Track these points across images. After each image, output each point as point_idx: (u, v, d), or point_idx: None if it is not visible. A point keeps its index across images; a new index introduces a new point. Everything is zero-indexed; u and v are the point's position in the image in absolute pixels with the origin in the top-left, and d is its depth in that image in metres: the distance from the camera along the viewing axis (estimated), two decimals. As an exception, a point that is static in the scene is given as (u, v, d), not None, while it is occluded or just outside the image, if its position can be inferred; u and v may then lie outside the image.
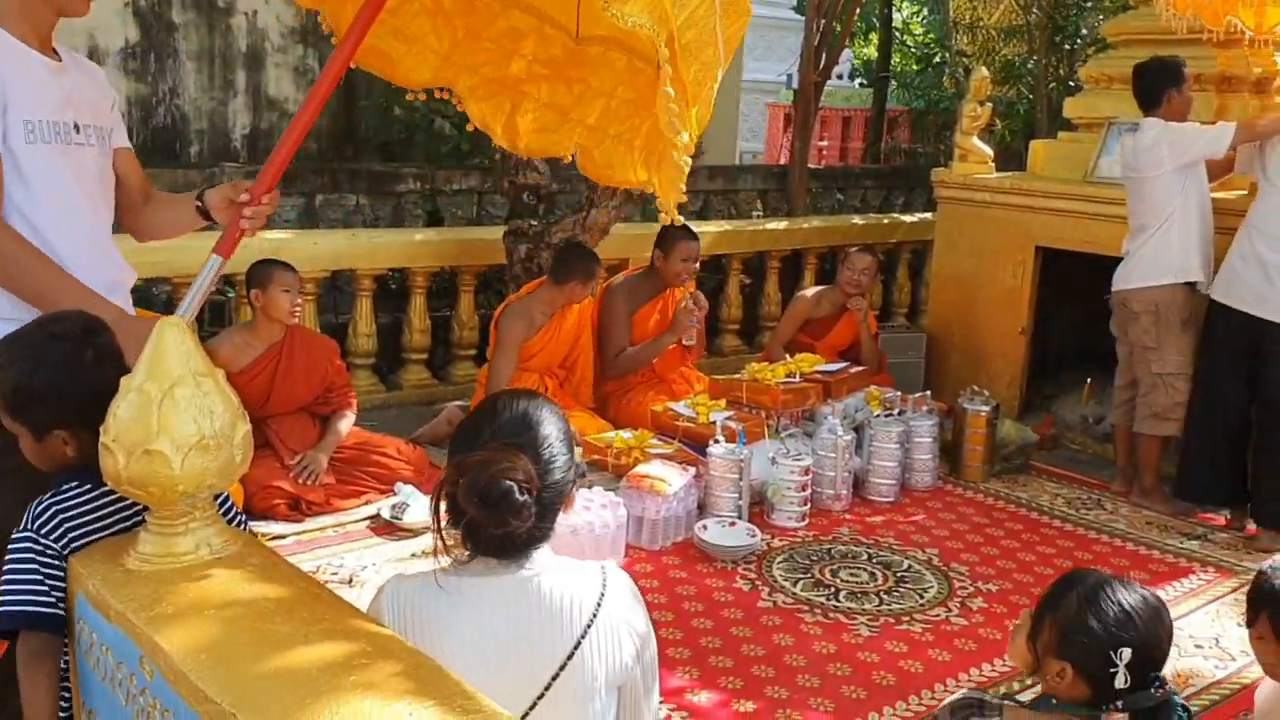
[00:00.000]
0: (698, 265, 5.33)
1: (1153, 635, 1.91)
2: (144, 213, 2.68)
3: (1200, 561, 4.24)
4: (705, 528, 4.14)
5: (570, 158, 2.76)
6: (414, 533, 4.11)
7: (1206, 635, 3.64)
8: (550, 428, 1.72)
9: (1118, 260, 4.81)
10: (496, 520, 1.61)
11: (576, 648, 1.64)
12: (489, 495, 1.60)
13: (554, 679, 1.63)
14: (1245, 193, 4.77)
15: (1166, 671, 3.28)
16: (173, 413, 1.59)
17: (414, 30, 2.69)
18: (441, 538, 1.69)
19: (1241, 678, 3.35)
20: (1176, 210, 4.56)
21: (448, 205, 6.94)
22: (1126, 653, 1.85)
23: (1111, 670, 1.85)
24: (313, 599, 1.60)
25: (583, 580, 1.70)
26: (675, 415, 4.89)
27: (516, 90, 2.78)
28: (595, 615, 1.66)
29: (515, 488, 1.60)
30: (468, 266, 5.83)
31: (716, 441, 4.35)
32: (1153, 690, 1.88)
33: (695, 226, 5.74)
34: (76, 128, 2.42)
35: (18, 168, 2.31)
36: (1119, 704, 1.88)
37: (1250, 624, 2.39)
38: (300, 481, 4.23)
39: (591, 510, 3.90)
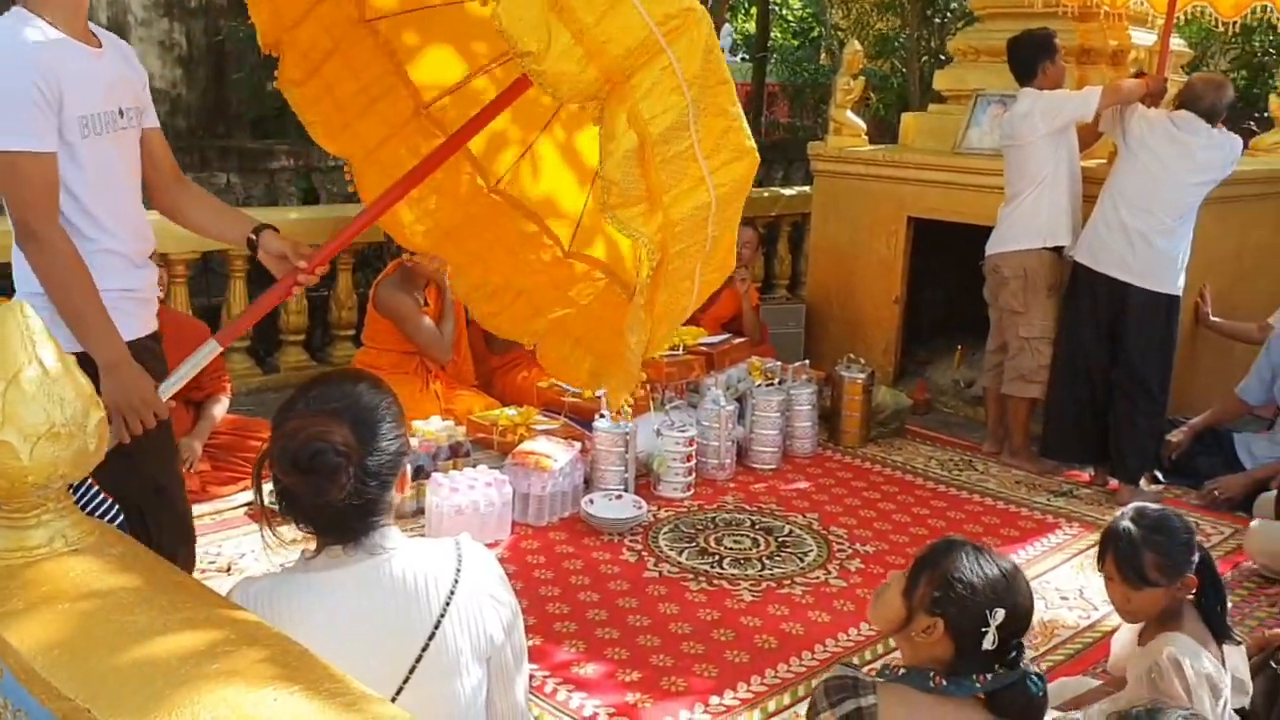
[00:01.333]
0: None
1: (1023, 603, 1.97)
2: (179, 197, 2.70)
3: (1066, 517, 4.43)
4: (592, 502, 4.16)
5: (530, 346, 2.83)
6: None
7: (1071, 588, 3.81)
8: (373, 398, 1.68)
9: (987, 229, 4.97)
10: (312, 487, 1.58)
11: (437, 626, 1.62)
12: (300, 458, 1.58)
13: (418, 660, 1.61)
14: (1105, 161, 4.96)
15: (1035, 623, 3.46)
16: (19, 401, 1.52)
17: (424, 202, 2.80)
18: (265, 512, 1.68)
19: (1103, 626, 3.52)
20: (1048, 177, 4.72)
21: (323, 182, 6.79)
22: (1000, 613, 1.90)
23: (983, 630, 1.90)
24: (175, 588, 1.56)
25: (437, 558, 1.69)
26: (561, 391, 4.89)
27: (500, 276, 2.82)
28: (453, 591, 1.65)
29: (330, 450, 1.57)
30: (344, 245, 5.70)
31: (602, 416, 4.36)
32: (1015, 658, 1.93)
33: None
34: (120, 113, 2.43)
35: (76, 160, 2.33)
36: (986, 677, 1.92)
37: (1099, 565, 2.52)
38: (174, 469, 4.11)
39: (477, 489, 3.89)
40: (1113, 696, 2.52)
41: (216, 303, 5.54)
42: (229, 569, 3.65)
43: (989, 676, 1.91)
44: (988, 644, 1.90)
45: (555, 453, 4.21)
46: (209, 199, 2.82)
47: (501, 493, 3.97)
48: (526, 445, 4.29)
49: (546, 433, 4.51)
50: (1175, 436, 4.88)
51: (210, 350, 2.42)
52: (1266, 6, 5.19)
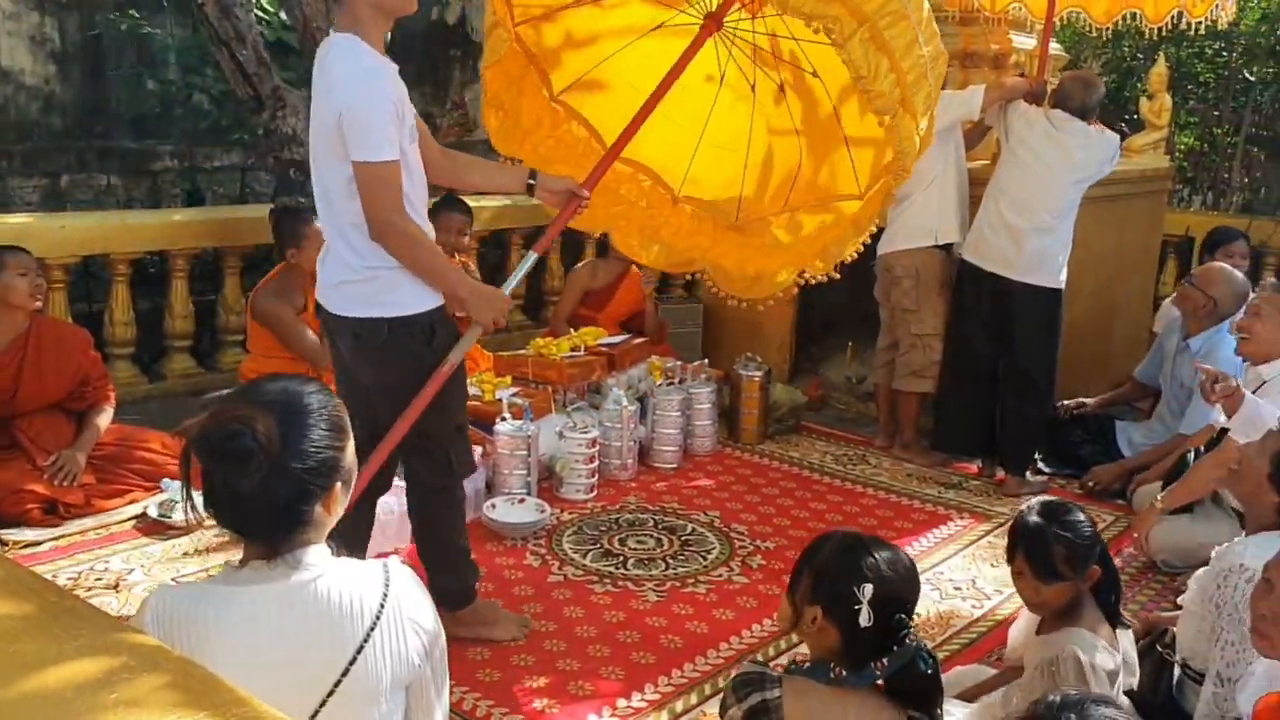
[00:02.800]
0: (467, 238, 5.22)
1: (895, 579, 2.01)
2: (454, 167, 3.25)
3: (956, 509, 4.56)
4: (494, 506, 4.13)
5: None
6: (185, 530, 3.92)
7: (964, 578, 3.92)
8: (312, 400, 1.64)
9: (877, 230, 5.07)
10: (223, 472, 1.55)
11: (360, 651, 1.59)
12: (214, 439, 1.55)
13: (337, 684, 1.58)
14: (989, 161, 5.11)
15: (930, 614, 3.56)
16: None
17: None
18: (190, 504, 1.64)
19: (996, 615, 3.63)
20: (937, 177, 4.84)
21: (208, 183, 6.60)
22: (868, 588, 1.94)
23: (855, 607, 1.95)
24: (66, 613, 1.50)
25: (364, 580, 1.65)
26: (459, 394, 4.83)
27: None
28: (379, 615, 1.62)
29: (246, 433, 1.54)
30: (233, 247, 5.55)
31: (503, 419, 4.34)
32: (904, 636, 1.97)
33: (473, 201, 5.67)
34: (414, 121, 2.96)
35: (406, 166, 2.84)
36: (884, 662, 1.97)
37: (1009, 561, 2.59)
38: (56, 483, 3.95)
39: (375, 496, 3.82)
40: (1011, 684, 2.60)
41: (99, 309, 5.34)
42: (116, 585, 3.53)
43: (885, 661, 1.96)
44: (863, 620, 1.94)
45: (456, 457, 4.15)
46: (477, 160, 3.43)
47: (400, 500, 3.90)
48: (426, 450, 4.23)
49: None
50: (1071, 402, 5.10)
51: (531, 260, 3.19)
52: (1136, 14, 5.41)
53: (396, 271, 2.87)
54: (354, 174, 2.75)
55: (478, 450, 4.25)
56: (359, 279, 2.88)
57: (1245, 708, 2.21)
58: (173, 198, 6.37)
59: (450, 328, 3.03)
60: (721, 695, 2.12)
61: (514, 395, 4.59)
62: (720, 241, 3.88)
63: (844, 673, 1.99)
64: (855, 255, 3.63)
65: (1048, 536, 2.47)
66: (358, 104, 2.71)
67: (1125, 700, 2.47)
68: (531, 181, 3.18)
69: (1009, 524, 4.02)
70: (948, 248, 4.93)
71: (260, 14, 6.00)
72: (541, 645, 3.30)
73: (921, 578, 3.74)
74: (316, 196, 2.95)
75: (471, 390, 4.84)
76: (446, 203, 5.12)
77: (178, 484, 4.06)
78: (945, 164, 4.83)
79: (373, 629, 1.61)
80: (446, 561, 3.22)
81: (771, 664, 2.40)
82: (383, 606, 1.64)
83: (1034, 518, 2.53)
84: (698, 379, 5.09)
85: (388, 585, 1.67)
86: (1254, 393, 3.69)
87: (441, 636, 1.76)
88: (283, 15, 6.43)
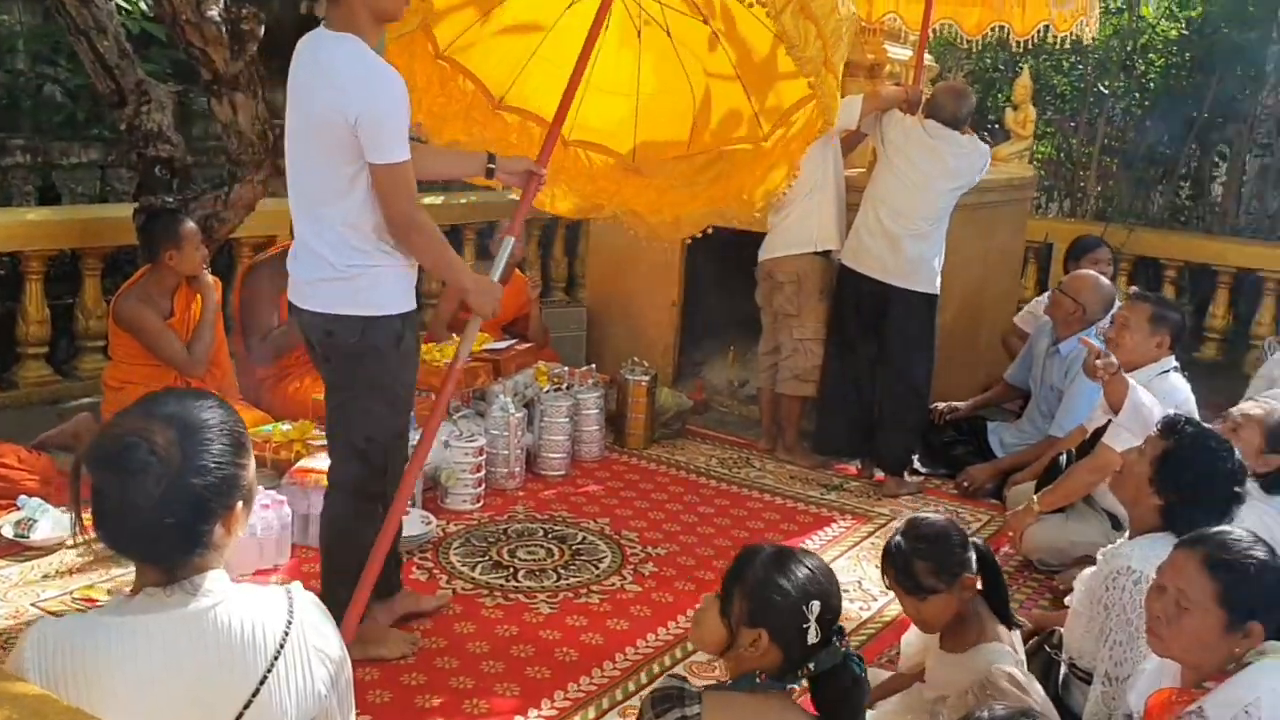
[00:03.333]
0: None
1: (833, 589, 2.04)
2: (419, 159, 3.03)
3: (839, 510, 4.63)
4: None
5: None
6: (44, 551, 3.69)
7: (850, 580, 3.98)
8: (214, 416, 1.56)
9: (756, 235, 5.12)
10: (117, 486, 1.47)
11: (262, 683, 1.51)
12: (109, 451, 1.48)
13: (239, 717, 1.50)
14: (866, 169, 5.21)
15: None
16: None
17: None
18: (78, 520, 1.54)
19: (883, 616, 3.70)
20: (817, 184, 4.91)
21: (65, 180, 6.24)
22: (816, 605, 1.95)
23: (804, 626, 1.94)
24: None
25: (266, 607, 1.58)
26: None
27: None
28: (282, 644, 1.54)
29: (142, 445, 1.46)
30: (93, 248, 5.26)
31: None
32: (835, 643, 1.99)
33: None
34: None
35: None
36: (811, 666, 1.97)
37: (886, 584, 2.63)
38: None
39: (254, 512, 3.66)
40: (938, 701, 2.58)
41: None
42: (-30, 614, 3.29)
43: (812, 665, 1.98)
44: (812, 638, 1.95)
45: (337, 469, 4.02)
46: (439, 149, 3.56)
47: (279, 514, 3.77)
48: (305, 462, 4.09)
49: (325, 447, 4.30)
50: (943, 406, 5.25)
51: (509, 244, 3.20)
52: (1004, 25, 5.60)
53: (377, 271, 2.93)
54: (373, 175, 2.81)
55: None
56: (339, 277, 2.91)
57: (1136, 704, 2.28)
58: (24, 195, 5.99)
59: (416, 333, 3.11)
60: (639, 711, 2.08)
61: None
62: (626, 185, 3.96)
63: (766, 679, 1.99)
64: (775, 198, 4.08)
65: (909, 554, 2.49)
66: (378, 107, 2.76)
67: (1051, 708, 2.52)
68: (491, 165, 3.25)
69: (890, 524, 4.13)
70: (827, 254, 5.01)
71: (122, 3, 5.69)
72: (432, 663, 3.21)
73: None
74: (295, 196, 2.96)
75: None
76: None
77: (36, 500, 3.86)
78: (824, 172, 4.90)
79: (276, 659, 1.54)
80: (350, 574, 3.06)
81: (667, 673, 2.37)
82: (286, 635, 1.57)
83: (895, 539, 2.55)
84: (585, 384, 5.05)
85: (291, 613, 1.60)
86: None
87: (347, 665, 1.69)
88: (143, 5, 6.12)
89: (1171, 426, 2.71)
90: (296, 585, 1.67)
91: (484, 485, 4.40)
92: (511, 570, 3.85)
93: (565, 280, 7.50)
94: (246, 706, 1.50)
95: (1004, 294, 6.28)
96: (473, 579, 3.77)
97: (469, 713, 2.98)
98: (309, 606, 1.63)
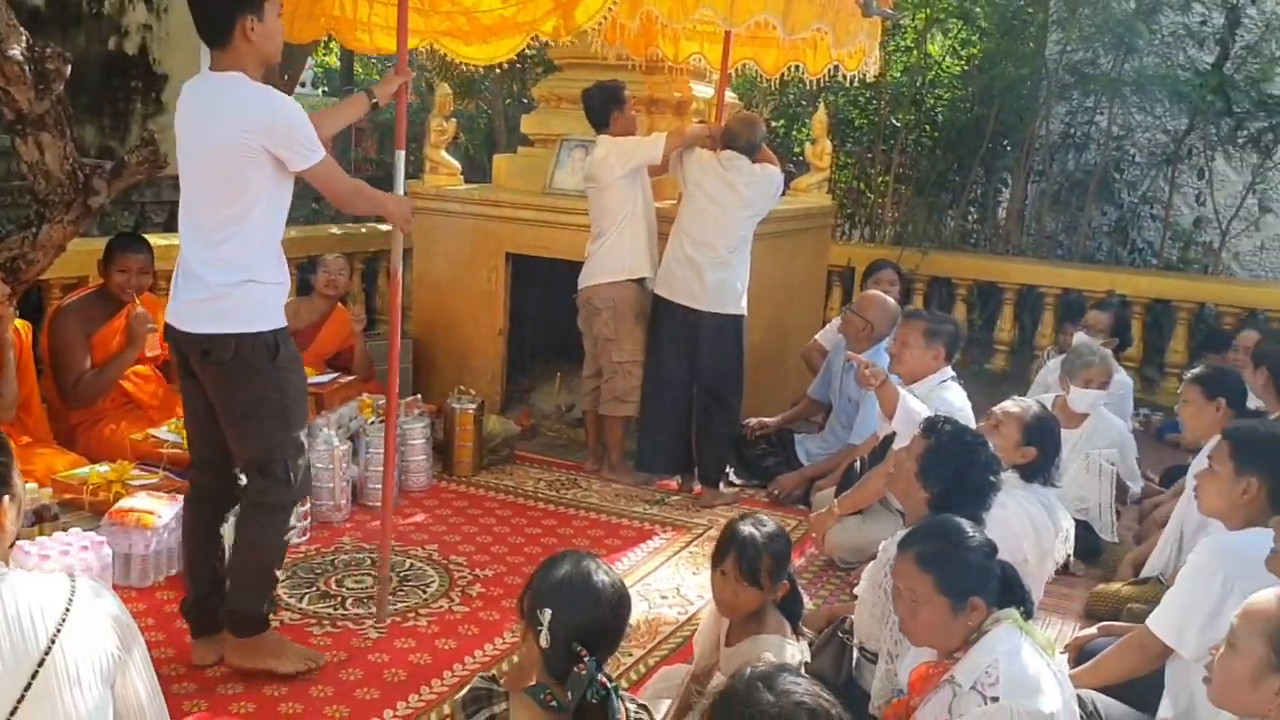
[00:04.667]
0: (149, 277, 5.02)
1: (576, 608, 2.09)
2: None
3: (660, 523, 4.87)
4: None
5: None
6: None
7: (669, 587, 4.21)
8: None
9: (577, 264, 5.35)
10: None
11: (48, 651, 1.67)
12: None
13: (27, 687, 1.65)
14: (675, 201, 5.51)
15: (639, 622, 3.79)
16: None
17: None
18: None
19: (699, 619, 3.90)
20: (628, 216, 5.16)
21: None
22: (548, 613, 2.07)
23: (538, 629, 2.08)
24: None
25: (47, 582, 1.76)
26: (159, 442, 4.65)
27: None
28: (68, 609, 1.71)
29: None
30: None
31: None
32: (588, 667, 2.04)
33: (162, 239, 5.45)
34: None
35: None
36: (567, 692, 2.05)
37: (718, 562, 2.80)
38: None
39: (71, 554, 3.62)
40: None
41: None
42: None
43: (568, 692, 2.04)
44: (542, 642, 2.06)
45: (157, 508, 4.02)
46: (327, 113, 3.68)
47: (99, 555, 3.73)
48: (124, 503, 4.06)
49: (145, 487, 4.28)
50: (754, 422, 5.56)
51: (400, 156, 3.67)
52: (799, 65, 6.00)
53: (248, 288, 3.10)
54: (307, 179, 3.15)
55: (180, 499, 4.13)
56: (212, 297, 3.09)
57: (904, 678, 2.57)
58: None
59: (291, 347, 3.27)
60: (452, 714, 2.21)
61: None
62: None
63: (553, 700, 2.07)
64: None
65: (760, 546, 2.73)
66: (283, 124, 3.04)
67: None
68: (373, 99, 3.60)
69: (707, 533, 4.37)
70: (642, 281, 5.27)
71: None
72: (261, 691, 3.26)
73: (631, 590, 4.00)
74: (189, 225, 3.14)
75: (172, 437, 4.68)
76: (124, 243, 4.93)
77: None
78: (634, 204, 5.16)
79: (61, 624, 1.70)
80: (257, 585, 3.32)
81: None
82: (71, 600, 1.74)
83: (748, 529, 2.77)
84: (410, 415, 5.14)
85: (74, 587, 1.78)
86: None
87: (140, 639, 1.86)
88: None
89: (931, 426, 3.04)
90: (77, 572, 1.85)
91: (310, 519, 4.44)
92: (339, 599, 3.92)
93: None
94: (34, 675, 1.65)
95: (808, 315, 6.69)
96: (300, 609, 3.83)
97: (284, 736, 3.05)
98: (90, 582, 1.81)
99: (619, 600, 2.16)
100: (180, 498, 4.12)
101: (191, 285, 3.13)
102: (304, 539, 4.39)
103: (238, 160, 3.03)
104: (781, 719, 1.61)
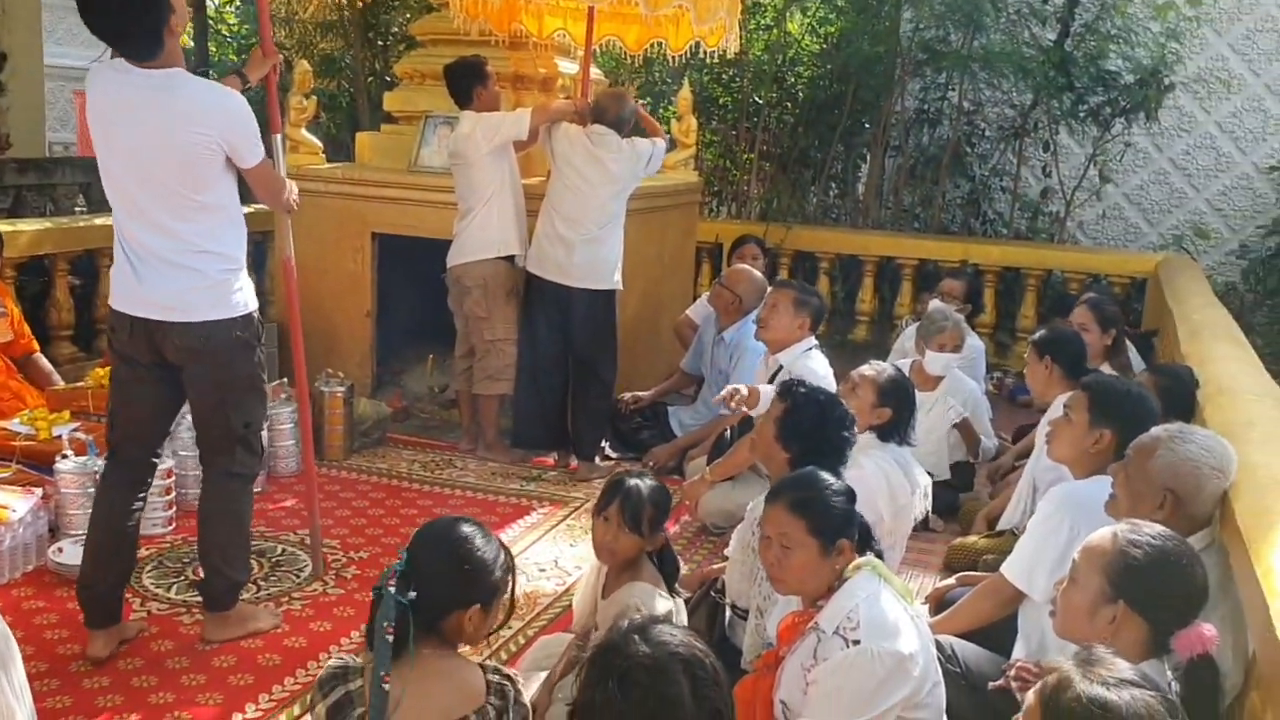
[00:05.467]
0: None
1: (428, 561, 2.09)
2: None
3: (537, 499, 4.90)
4: (60, 550, 3.89)
5: None
6: None
7: (547, 559, 4.25)
8: None
9: (446, 242, 5.31)
10: None
11: None
12: None
13: None
14: (544, 178, 5.51)
15: (517, 594, 3.81)
16: None
17: None
18: None
19: (574, 591, 3.97)
20: (495, 193, 5.14)
21: None
22: (403, 560, 2.08)
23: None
24: None
25: None
26: (10, 435, 4.47)
27: None
28: None
29: None
30: None
31: (65, 457, 4.08)
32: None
33: (5, 225, 5.22)
34: None
35: None
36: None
37: (602, 508, 2.88)
38: None
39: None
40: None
41: None
42: None
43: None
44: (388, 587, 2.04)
45: (12, 503, 3.87)
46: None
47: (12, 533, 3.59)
48: (-17, 499, 3.89)
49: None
50: (628, 396, 5.63)
51: (278, 139, 3.69)
52: (661, 42, 6.06)
53: (240, 274, 3.29)
54: (248, 176, 3.25)
55: (36, 492, 4.00)
56: (211, 285, 3.20)
57: (772, 630, 2.67)
58: None
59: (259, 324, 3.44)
60: (310, 697, 2.16)
61: (75, 430, 4.32)
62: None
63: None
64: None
65: (645, 497, 2.83)
66: (237, 123, 3.15)
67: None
68: (246, 83, 3.55)
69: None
70: (511, 258, 5.26)
71: None
72: (129, 683, 3.19)
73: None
74: (144, 216, 3.16)
75: (24, 429, 4.51)
76: None
77: None
78: (501, 181, 5.14)
79: None
80: (241, 553, 3.50)
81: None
82: None
83: (633, 480, 2.88)
84: (278, 399, 5.04)
85: None
86: (774, 377, 4.35)
87: (17, 655, 1.84)
88: None
89: (786, 390, 3.16)
90: None
91: (175, 508, 4.33)
92: (209, 587, 3.84)
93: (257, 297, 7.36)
94: None
95: (680, 291, 6.79)
96: (168, 599, 3.74)
97: (170, 725, 2.99)
98: None
99: (458, 543, 2.13)
100: (36, 491, 4.00)
101: (181, 276, 3.18)
102: (170, 529, 4.28)
103: (200, 158, 3.12)
104: (656, 669, 1.66)
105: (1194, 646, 2.03)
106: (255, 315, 3.36)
